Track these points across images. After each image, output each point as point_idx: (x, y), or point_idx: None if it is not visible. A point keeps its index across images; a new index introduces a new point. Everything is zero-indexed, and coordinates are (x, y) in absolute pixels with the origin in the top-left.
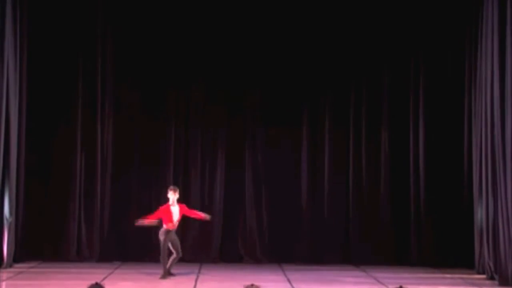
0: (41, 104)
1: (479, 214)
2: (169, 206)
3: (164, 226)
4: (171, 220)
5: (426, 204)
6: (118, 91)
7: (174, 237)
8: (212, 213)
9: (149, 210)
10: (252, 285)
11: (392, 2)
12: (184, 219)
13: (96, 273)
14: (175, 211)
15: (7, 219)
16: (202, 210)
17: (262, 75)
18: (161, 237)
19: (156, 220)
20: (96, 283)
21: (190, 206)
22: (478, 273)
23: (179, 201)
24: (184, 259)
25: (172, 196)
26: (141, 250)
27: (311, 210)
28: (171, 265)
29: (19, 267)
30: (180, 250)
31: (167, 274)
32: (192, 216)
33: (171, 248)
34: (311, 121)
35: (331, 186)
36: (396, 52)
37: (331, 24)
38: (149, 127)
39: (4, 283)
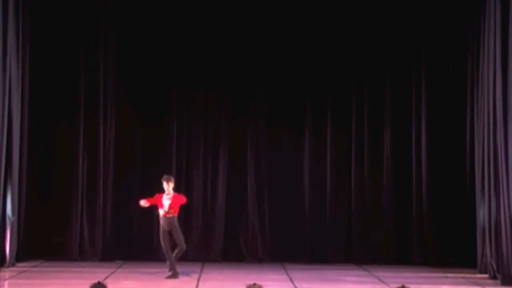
0: (43, 103)
1: (481, 213)
2: (163, 194)
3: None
4: (162, 206)
5: (428, 203)
6: (120, 90)
7: (171, 227)
8: (214, 213)
9: (150, 209)
10: (254, 284)
11: (394, 1)
12: (186, 219)
13: (98, 272)
14: (167, 199)
15: (9, 218)
16: (204, 209)
17: (264, 75)
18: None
19: (150, 204)
20: (99, 282)
21: (192, 206)
22: (480, 272)
23: (181, 192)
24: (186, 258)
25: (166, 186)
26: (144, 249)
27: (313, 210)
28: (169, 263)
29: (21, 266)
30: (181, 243)
31: (174, 271)
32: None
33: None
34: (313, 120)
35: (333, 185)
36: (398, 51)
37: (333, 25)
38: (151, 127)
39: (6, 282)
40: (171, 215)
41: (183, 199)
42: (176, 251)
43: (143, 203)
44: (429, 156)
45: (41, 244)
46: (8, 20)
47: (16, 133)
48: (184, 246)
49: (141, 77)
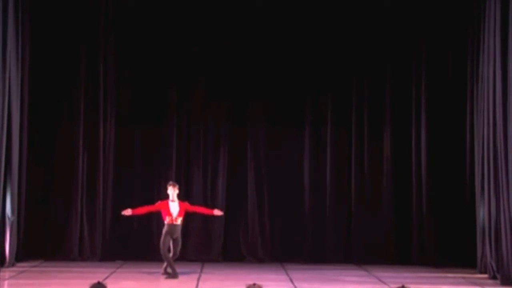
0: (43, 103)
1: (481, 213)
2: (168, 201)
3: (165, 222)
4: (169, 213)
5: (428, 203)
6: (120, 90)
7: (177, 234)
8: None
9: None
10: (254, 284)
11: (394, 1)
12: (187, 219)
13: (98, 272)
14: (174, 206)
15: (9, 218)
16: None
17: (264, 75)
18: (163, 233)
19: (145, 212)
20: (98, 282)
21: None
22: (480, 272)
23: (182, 199)
24: (186, 259)
25: (172, 191)
26: (143, 249)
27: (313, 209)
28: (167, 264)
29: (21, 266)
30: (178, 251)
31: (168, 272)
32: (199, 211)
33: (171, 245)
34: (313, 120)
35: (333, 185)
36: (398, 51)
37: (333, 25)
38: (151, 127)
39: (6, 282)
40: (179, 223)
41: (189, 206)
42: (170, 255)
43: (126, 212)
44: (429, 156)
45: (41, 244)
46: (8, 20)
47: (16, 133)
48: (178, 254)
49: (141, 77)
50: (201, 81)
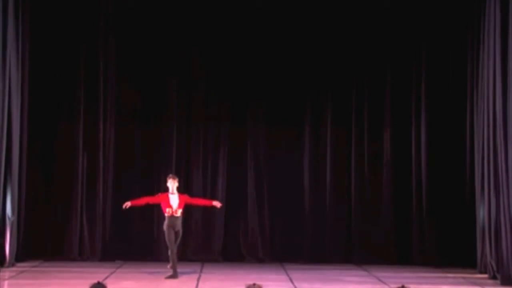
0: (43, 103)
1: (481, 213)
2: (167, 194)
3: (165, 214)
4: (169, 206)
5: (428, 203)
6: (120, 90)
7: (178, 227)
8: (214, 213)
9: (150, 208)
10: (254, 284)
11: (394, 1)
12: (187, 219)
13: (98, 272)
14: (174, 198)
15: (9, 218)
16: (204, 209)
17: (264, 74)
18: (164, 227)
19: (144, 203)
20: (98, 282)
21: (192, 205)
22: (480, 272)
23: (181, 191)
24: (186, 259)
25: (172, 184)
26: (143, 249)
27: (313, 209)
28: (171, 262)
29: (21, 266)
30: (178, 241)
31: (174, 271)
32: (199, 203)
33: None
34: (313, 120)
35: (333, 185)
36: (398, 51)
37: (333, 25)
38: (151, 126)
39: (6, 282)
40: (179, 215)
41: (188, 198)
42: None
43: (127, 204)
44: (429, 156)
45: (41, 244)
46: (8, 20)
47: (16, 133)
48: (177, 243)
49: (141, 77)
50: (201, 81)
